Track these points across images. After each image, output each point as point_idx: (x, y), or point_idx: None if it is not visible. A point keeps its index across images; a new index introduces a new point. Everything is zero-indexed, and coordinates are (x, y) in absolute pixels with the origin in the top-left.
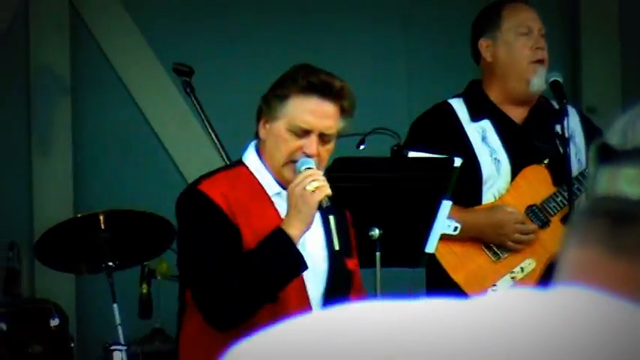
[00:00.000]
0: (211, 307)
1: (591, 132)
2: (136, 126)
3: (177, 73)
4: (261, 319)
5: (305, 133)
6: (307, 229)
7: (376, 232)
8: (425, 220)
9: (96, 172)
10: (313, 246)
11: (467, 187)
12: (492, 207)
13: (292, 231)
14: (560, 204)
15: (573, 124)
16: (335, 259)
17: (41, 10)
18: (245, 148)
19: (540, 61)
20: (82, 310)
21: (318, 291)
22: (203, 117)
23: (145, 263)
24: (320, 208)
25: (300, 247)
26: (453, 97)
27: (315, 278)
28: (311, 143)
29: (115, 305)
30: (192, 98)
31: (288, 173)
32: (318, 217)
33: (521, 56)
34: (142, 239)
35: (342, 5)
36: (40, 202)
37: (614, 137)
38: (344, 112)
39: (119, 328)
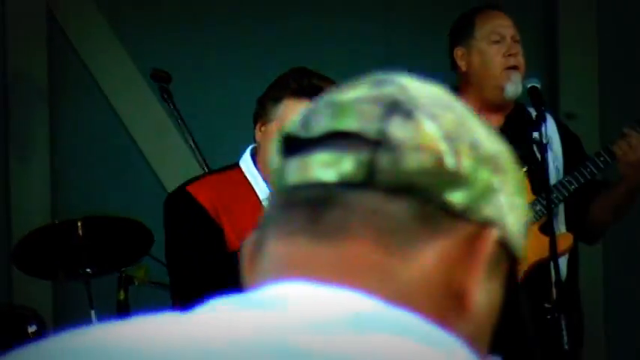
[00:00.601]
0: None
1: (568, 139)
2: (113, 132)
3: (155, 79)
4: None
5: None
6: None
7: None
8: None
9: (73, 178)
10: None
11: None
12: None
13: None
14: (539, 213)
15: (551, 131)
16: None
17: (18, 16)
18: (243, 152)
19: (514, 67)
20: (60, 316)
21: None
22: (180, 123)
23: (123, 269)
24: None
25: None
26: None
27: None
28: None
29: (92, 311)
30: (170, 104)
31: None
32: None
33: (494, 64)
34: (120, 245)
35: (320, 8)
36: (17, 208)
37: (296, 129)
38: None
39: None
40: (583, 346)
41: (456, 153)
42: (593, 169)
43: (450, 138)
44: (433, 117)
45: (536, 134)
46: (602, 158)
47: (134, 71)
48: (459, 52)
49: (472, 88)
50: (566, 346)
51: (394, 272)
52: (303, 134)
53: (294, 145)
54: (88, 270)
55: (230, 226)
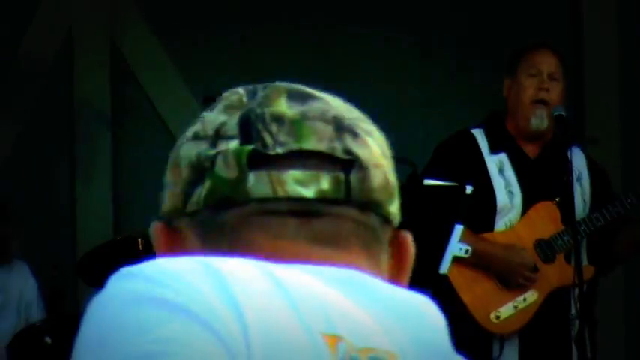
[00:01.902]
0: None
1: (597, 175)
2: None
3: (208, 105)
4: None
5: None
6: None
7: None
8: (439, 244)
9: (134, 198)
10: None
11: (482, 214)
12: (509, 245)
13: None
14: (567, 243)
15: (581, 166)
16: None
17: (84, 48)
18: None
19: (542, 101)
20: None
21: None
22: None
23: None
24: None
25: None
26: (474, 127)
27: None
28: None
29: None
30: None
31: None
32: None
33: (525, 95)
34: None
35: (358, 36)
36: (82, 226)
37: (253, 143)
38: None
39: None
40: (597, 352)
41: (390, 168)
42: (620, 209)
43: (384, 154)
44: (369, 134)
45: (572, 164)
46: (629, 200)
47: (190, 98)
48: (506, 81)
49: (509, 116)
50: (590, 354)
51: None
52: (269, 151)
53: (263, 160)
54: None
55: None
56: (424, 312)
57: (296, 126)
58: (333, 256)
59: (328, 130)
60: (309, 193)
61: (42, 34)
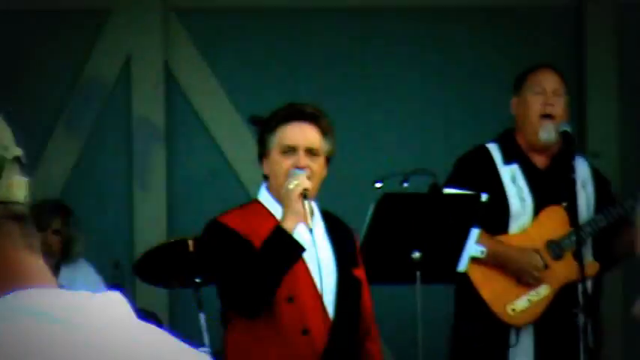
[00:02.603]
0: (238, 302)
1: (600, 184)
2: (218, 166)
3: (253, 123)
4: (282, 318)
5: (293, 150)
6: (299, 220)
7: (417, 254)
8: (457, 245)
9: (186, 205)
10: (323, 253)
11: (497, 219)
12: (521, 248)
13: (286, 224)
14: (574, 243)
15: (586, 175)
16: (343, 265)
17: (141, 72)
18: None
19: (548, 116)
20: (174, 317)
21: (330, 291)
22: None
23: None
24: (305, 197)
25: (312, 253)
26: (490, 141)
27: (326, 279)
28: (300, 157)
29: (201, 314)
30: None
31: None
32: (325, 232)
33: (532, 111)
34: None
35: (392, 61)
36: (139, 229)
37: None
38: (323, 132)
39: (205, 332)
40: (603, 347)
41: None
42: (621, 210)
43: None
44: None
45: (574, 175)
46: (629, 203)
47: (236, 117)
48: (514, 100)
49: (519, 131)
50: (592, 345)
51: None
52: (7, 155)
53: None
54: (198, 280)
55: (257, 239)
56: (119, 310)
57: (4, 130)
58: (43, 267)
59: (10, 133)
60: (22, 197)
61: (103, 60)
